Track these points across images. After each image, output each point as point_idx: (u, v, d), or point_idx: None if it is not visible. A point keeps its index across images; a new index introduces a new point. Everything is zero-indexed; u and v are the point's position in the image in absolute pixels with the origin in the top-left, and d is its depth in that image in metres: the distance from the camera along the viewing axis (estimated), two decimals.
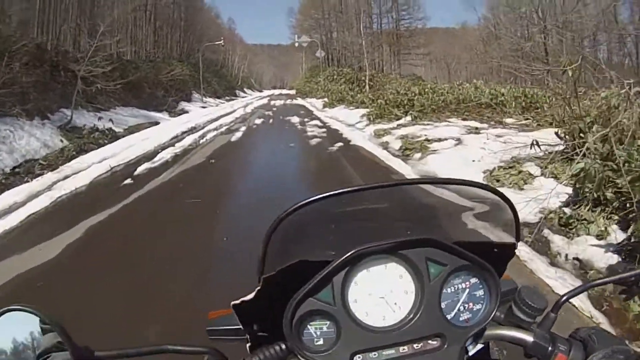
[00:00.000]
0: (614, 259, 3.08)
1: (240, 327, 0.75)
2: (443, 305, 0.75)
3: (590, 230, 3.44)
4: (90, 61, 8.29)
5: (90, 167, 5.89)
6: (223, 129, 11.42)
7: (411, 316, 0.73)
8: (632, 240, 3.02)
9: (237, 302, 0.71)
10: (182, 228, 4.01)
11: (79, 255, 3.48)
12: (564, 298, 0.75)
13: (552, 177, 4.68)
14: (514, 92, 11.79)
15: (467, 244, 0.75)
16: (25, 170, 5.47)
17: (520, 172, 5.00)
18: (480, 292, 0.77)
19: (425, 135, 8.27)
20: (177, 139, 7.90)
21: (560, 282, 3.05)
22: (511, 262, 0.83)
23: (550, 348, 0.72)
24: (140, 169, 6.06)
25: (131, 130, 8.05)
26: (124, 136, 7.52)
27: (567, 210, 3.83)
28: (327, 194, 0.70)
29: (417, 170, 6.15)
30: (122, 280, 2.95)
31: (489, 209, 0.83)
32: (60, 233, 3.86)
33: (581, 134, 4.63)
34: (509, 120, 9.51)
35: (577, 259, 3.27)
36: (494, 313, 0.75)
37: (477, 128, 8.62)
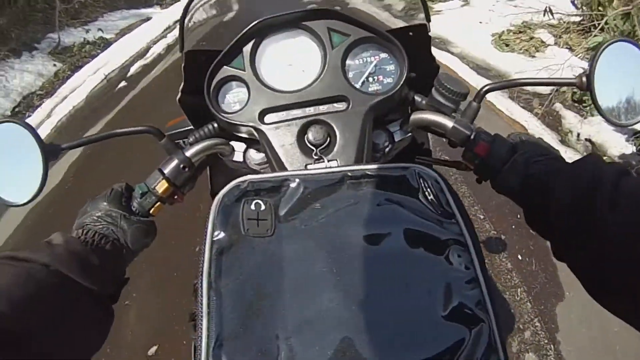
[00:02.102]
0: (628, 148, 2.92)
1: (192, 126, 0.86)
2: (350, 75, 0.82)
3: None
4: None
5: (85, 81, 5.75)
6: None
7: (316, 80, 0.80)
8: None
9: (179, 94, 0.81)
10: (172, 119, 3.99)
11: (79, 173, 3.58)
12: (486, 88, 0.76)
13: (566, 48, 4.35)
14: None
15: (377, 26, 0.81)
16: (26, 106, 5.36)
17: (531, 38, 4.66)
18: (391, 67, 0.83)
19: None
20: (170, 29, 7.61)
21: None
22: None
23: (472, 136, 0.74)
24: (134, 69, 5.95)
25: (123, 33, 7.72)
26: (116, 41, 7.22)
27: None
28: None
29: None
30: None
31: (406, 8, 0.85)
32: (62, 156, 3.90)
33: (600, 7, 4.25)
34: None
35: (589, 140, 3.11)
36: (402, 81, 0.79)
37: None
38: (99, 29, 7.30)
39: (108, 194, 0.73)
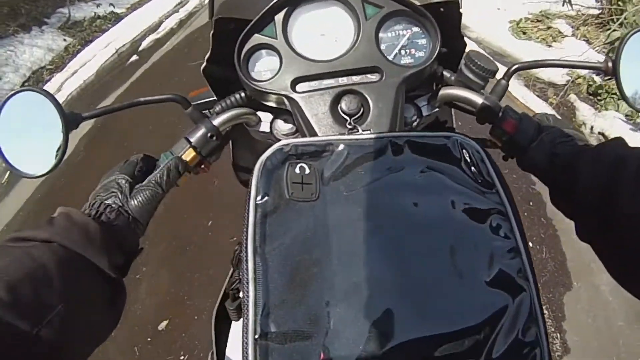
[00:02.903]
0: None
1: (215, 98, 0.85)
2: (383, 47, 0.80)
3: (619, 108, 3.20)
4: None
5: (96, 55, 5.71)
6: None
7: (350, 50, 0.79)
8: None
9: (204, 64, 0.79)
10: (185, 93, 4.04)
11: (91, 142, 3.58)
12: (515, 67, 0.77)
13: (583, 40, 4.31)
14: None
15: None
16: (35, 81, 5.32)
17: (549, 27, 4.60)
18: (423, 41, 0.82)
19: None
20: (182, 4, 7.55)
21: None
22: None
23: (500, 113, 0.75)
24: (145, 43, 5.92)
25: (134, 7, 7.64)
26: (127, 15, 7.16)
27: (597, 78, 3.54)
28: None
29: None
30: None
31: None
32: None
33: (619, 2, 4.21)
34: None
35: (602, 134, 3.09)
36: (434, 55, 0.79)
37: None
38: (110, 4, 7.23)
39: (122, 164, 0.71)
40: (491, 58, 0.78)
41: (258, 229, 0.53)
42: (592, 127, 3.19)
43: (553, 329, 2.09)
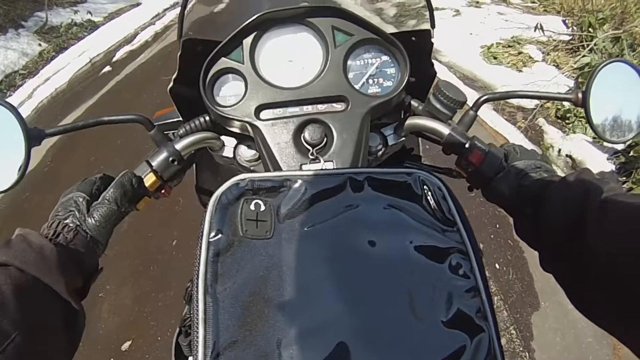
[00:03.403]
0: (608, 166, 2.97)
1: (181, 118, 0.84)
2: (351, 75, 0.80)
3: (587, 131, 3.29)
4: None
5: (70, 63, 5.64)
6: None
7: (317, 78, 0.78)
8: (630, 153, 2.87)
9: (171, 84, 0.78)
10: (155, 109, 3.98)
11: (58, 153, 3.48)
12: (484, 97, 0.77)
13: (553, 65, 4.43)
14: None
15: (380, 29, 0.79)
16: (7, 85, 5.22)
17: (520, 52, 4.72)
18: (392, 70, 0.81)
19: (422, 2, 7.62)
20: (159, 17, 7.53)
21: None
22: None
23: (467, 145, 0.74)
24: (119, 55, 5.85)
25: (111, 17, 7.59)
26: (103, 24, 7.10)
27: (565, 102, 3.65)
28: None
29: None
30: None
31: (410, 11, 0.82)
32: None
33: (590, 29, 4.37)
34: (514, 0, 8.80)
35: (570, 156, 3.16)
36: (402, 86, 0.78)
37: (478, 2, 7.99)
38: (88, 11, 7.16)
39: (80, 182, 0.69)
40: (460, 89, 0.78)
41: (210, 268, 0.52)
42: (559, 150, 3.26)
43: (521, 349, 2.11)
